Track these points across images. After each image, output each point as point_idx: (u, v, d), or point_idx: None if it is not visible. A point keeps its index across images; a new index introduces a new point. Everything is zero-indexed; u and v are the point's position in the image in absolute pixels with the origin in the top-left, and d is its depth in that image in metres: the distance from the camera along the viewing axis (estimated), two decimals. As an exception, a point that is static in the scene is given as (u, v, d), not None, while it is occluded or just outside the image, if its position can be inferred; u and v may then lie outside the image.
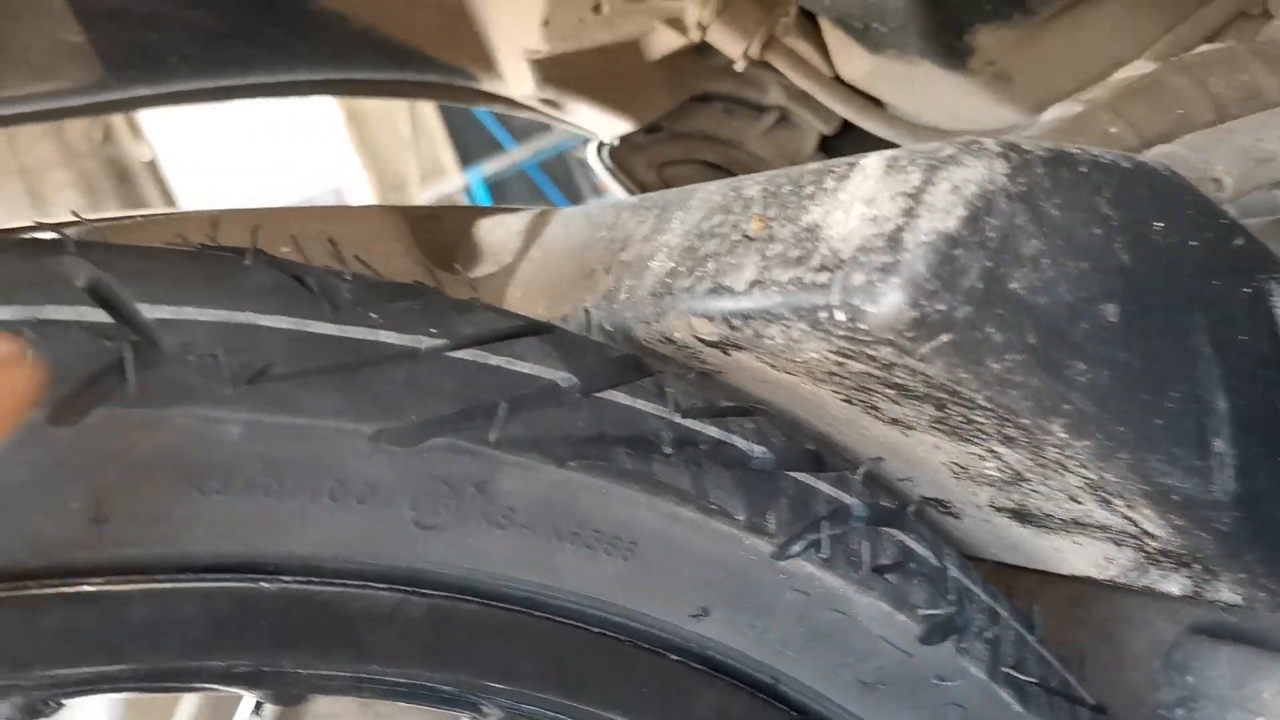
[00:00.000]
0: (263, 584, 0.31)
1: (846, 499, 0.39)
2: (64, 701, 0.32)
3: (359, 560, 0.32)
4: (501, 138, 5.91)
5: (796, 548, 0.37)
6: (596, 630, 0.36)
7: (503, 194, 7.72)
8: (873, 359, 0.31)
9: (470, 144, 7.21)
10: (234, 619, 0.31)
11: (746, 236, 0.36)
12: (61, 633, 0.29)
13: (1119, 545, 0.38)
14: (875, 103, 0.78)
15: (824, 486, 0.39)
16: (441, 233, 0.57)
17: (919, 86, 0.69)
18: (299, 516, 0.30)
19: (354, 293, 0.33)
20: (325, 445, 0.30)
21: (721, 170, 0.88)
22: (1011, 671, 0.42)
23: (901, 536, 0.41)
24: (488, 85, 0.78)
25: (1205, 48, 0.57)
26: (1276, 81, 0.53)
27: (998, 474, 0.38)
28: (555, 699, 0.37)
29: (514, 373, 0.34)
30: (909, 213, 0.29)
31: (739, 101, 0.86)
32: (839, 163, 0.34)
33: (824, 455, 0.40)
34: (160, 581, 0.30)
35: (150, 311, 0.29)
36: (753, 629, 0.37)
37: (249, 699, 0.36)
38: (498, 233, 0.57)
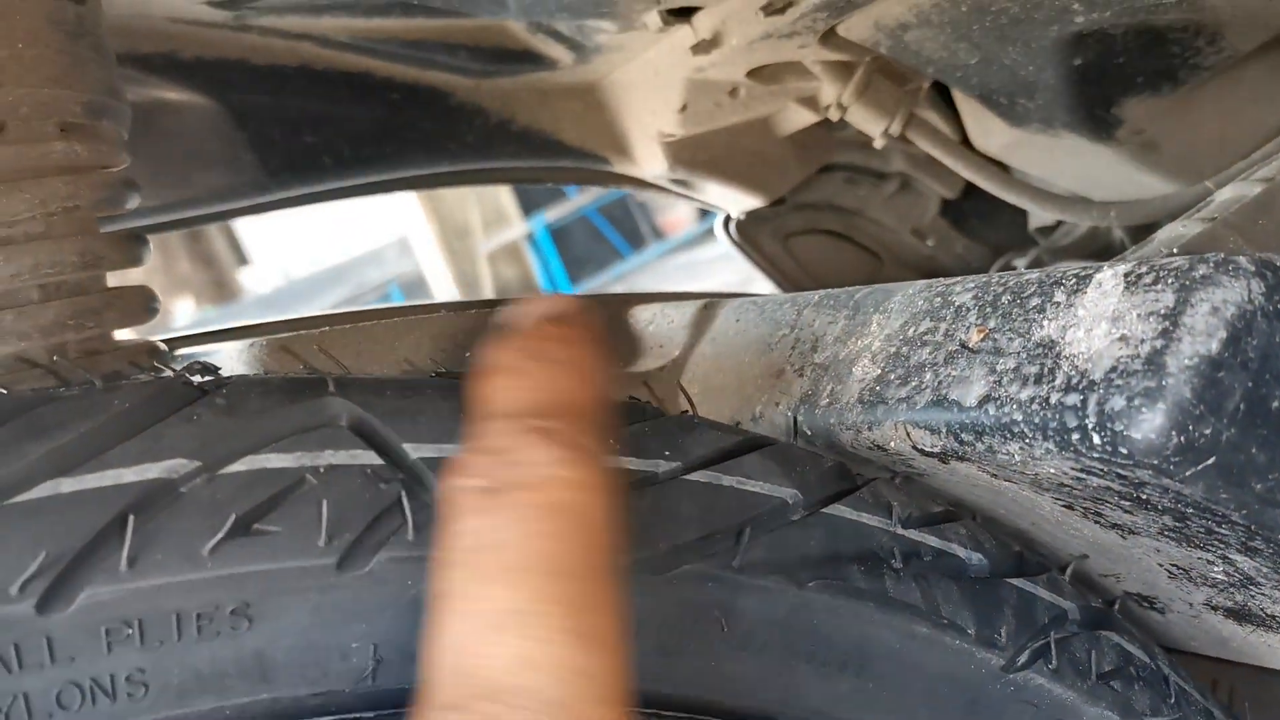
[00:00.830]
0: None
1: (1062, 602, 0.39)
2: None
3: None
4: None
5: (1024, 658, 0.37)
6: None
7: (565, 239, 7.82)
8: (1123, 478, 0.31)
9: (532, 191, 7.32)
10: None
11: (965, 347, 0.36)
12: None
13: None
14: (1002, 167, 0.78)
15: (1041, 591, 0.38)
16: (606, 327, 0.58)
17: (1060, 156, 0.69)
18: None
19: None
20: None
21: (844, 238, 0.88)
22: (1232, 773, 0.41)
23: (1116, 638, 0.40)
24: (619, 167, 0.79)
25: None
26: None
27: (1224, 578, 0.38)
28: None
29: (746, 492, 0.34)
30: (1167, 334, 0.29)
31: (861, 170, 0.86)
32: (1065, 274, 0.34)
33: (1027, 555, 0.40)
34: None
35: (414, 451, 0.30)
36: (983, 743, 0.37)
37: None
38: (660, 324, 0.57)
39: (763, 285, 0.94)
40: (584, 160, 0.77)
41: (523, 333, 0.29)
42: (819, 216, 0.85)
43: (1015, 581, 0.39)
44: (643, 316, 0.60)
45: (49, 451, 0.27)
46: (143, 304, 0.47)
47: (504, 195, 7.59)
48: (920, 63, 0.62)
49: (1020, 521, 0.42)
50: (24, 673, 0.26)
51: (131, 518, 0.26)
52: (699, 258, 7.31)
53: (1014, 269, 0.79)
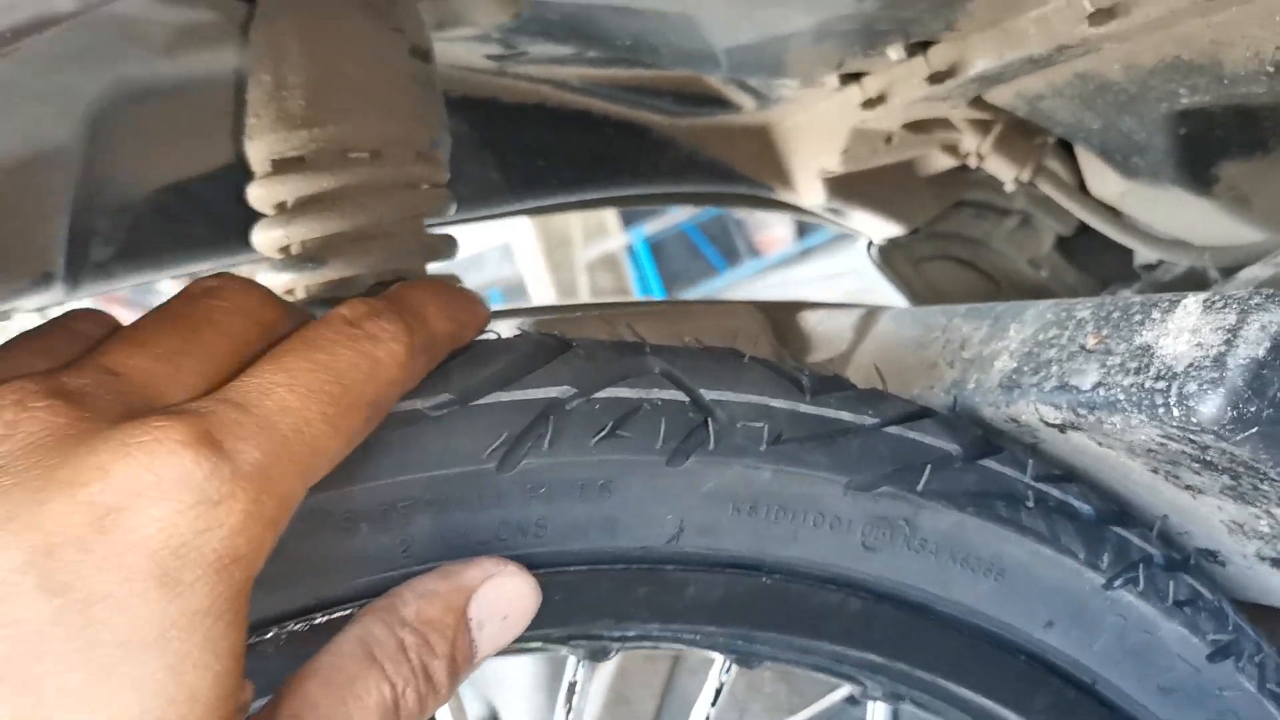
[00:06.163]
0: (762, 578, 0.46)
1: (1149, 548, 0.52)
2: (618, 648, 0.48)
3: (823, 568, 0.47)
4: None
5: (1120, 581, 0.50)
6: (969, 631, 0.50)
7: (663, 252, 7.96)
8: (1194, 442, 0.45)
9: (633, 204, 7.40)
10: (742, 600, 0.46)
11: (1084, 349, 0.50)
12: (646, 600, 0.45)
13: (1370, 588, 0.50)
14: (1113, 211, 0.91)
15: (1135, 538, 0.52)
16: (783, 324, 0.72)
17: (1165, 205, 0.82)
18: (793, 535, 0.45)
19: (811, 382, 0.48)
20: (816, 489, 0.45)
21: (969, 265, 1.01)
22: (1274, 688, 0.54)
23: (1188, 579, 0.53)
24: (782, 196, 0.94)
25: None
26: None
27: (1269, 530, 0.50)
28: (928, 679, 0.51)
29: (922, 443, 0.48)
30: (1229, 343, 0.43)
31: (988, 206, 1.00)
32: (1161, 299, 0.48)
33: (1126, 512, 0.54)
34: (702, 571, 0.45)
35: (707, 394, 0.45)
36: (1083, 641, 0.51)
37: (719, 660, 0.50)
38: (829, 325, 0.72)
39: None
40: (754, 188, 0.92)
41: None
42: (949, 245, 0.99)
43: (1114, 528, 0.52)
44: (811, 318, 0.74)
45: (491, 375, 0.42)
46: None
47: (606, 206, 7.73)
48: (1051, 124, 0.76)
49: (1117, 486, 0.55)
50: (481, 512, 0.41)
51: (550, 417, 0.42)
52: (793, 277, 7.40)
53: (1119, 297, 0.92)
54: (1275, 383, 0.42)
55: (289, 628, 0.40)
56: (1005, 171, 0.80)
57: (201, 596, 0.29)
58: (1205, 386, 0.42)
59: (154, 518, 0.29)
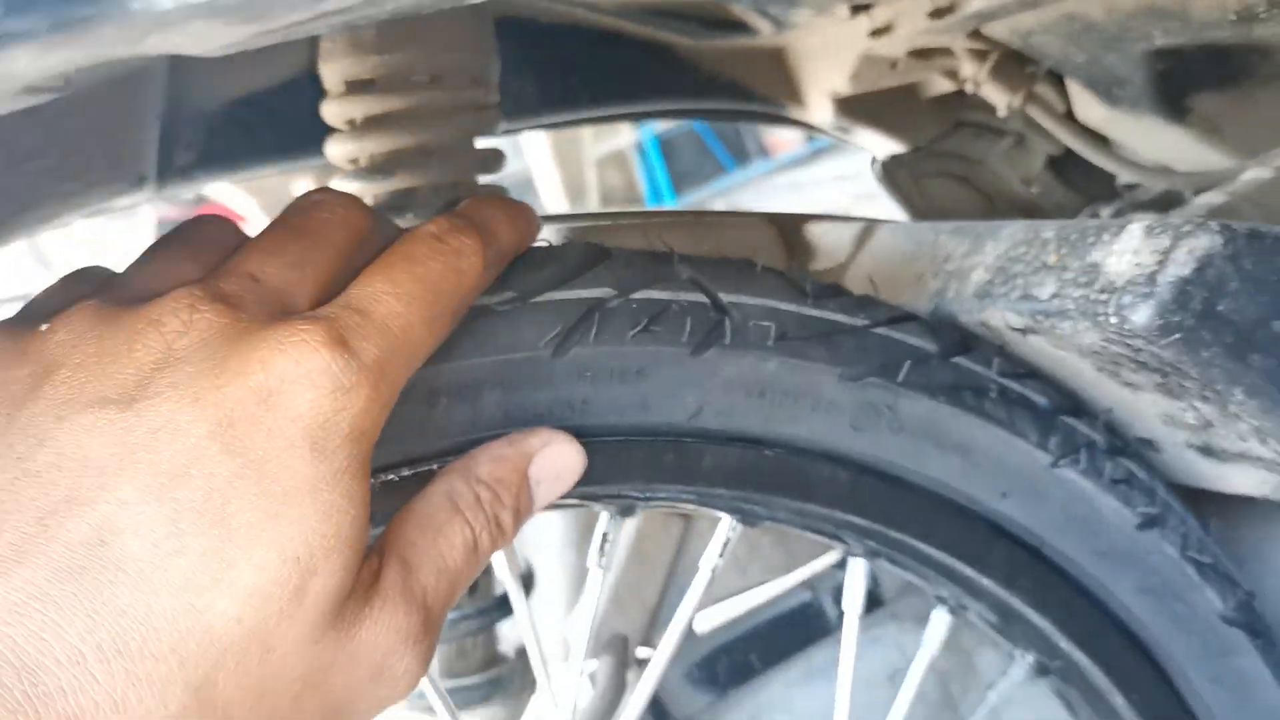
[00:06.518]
0: (765, 451, 0.56)
1: (1096, 436, 0.62)
2: (644, 507, 0.58)
3: (818, 445, 0.56)
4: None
5: (1064, 462, 0.60)
6: (938, 499, 0.59)
7: (673, 151, 7.92)
8: (1129, 346, 0.54)
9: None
10: (749, 469, 0.56)
11: (1046, 265, 0.58)
12: (670, 467, 0.54)
13: (1271, 470, 0.59)
14: (1100, 138, 0.98)
15: (1082, 426, 0.61)
16: (791, 235, 0.81)
17: (1144, 133, 0.89)
18: (793, 415, 0.55)
19: (813, 288, 0.57)
20: (814, 378, 0.54)
21: (965, 182, 1.09)
22: (1194, 555, 0.64)
23: (1126, 462, 0.63)
24: (794, 113, 1.01)
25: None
26: None
27: (1194, 422, 0.60)
28: (901, 539, 0.60)
29: (905, 342, 0.57)
30: (1160, 264, 0.51)
31: (985, 127, 1.07)
32: (1111, 225, 0.56)
33: (1078, 405, 0.63)
34: (717, 444, 0.55)
35: (725, 298, 0.54)
36: (1033, 510, 0.60)
37: (726, 519, 0.60)
38: (831, 237, 0.80)
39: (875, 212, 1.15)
40: (768, 106, 1.00)
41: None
42: (947, 163, 1.06)
43: (1065, 418, 0.61)
44: (816, 230, 0.82)
45: (546, 277, 0.51)
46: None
47: (616, 102, 7.65)
48: (1041, 56, 0.83)
49: (1071, 383, 0.64)
50: (538, 390, 0.50)
51: (595, 314, 0.51)
52: (802, 178, 7.38)
53: (1099, 216, 1.00)
54: (1197, 297, 0.51)
55: (383, 479, 0.49)
56: (999, 98, 0.88)
57: (341, 459, 0.38)
58: (1138, 299, 0.51)
59: (304, 400, 0.37)
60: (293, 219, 0.45)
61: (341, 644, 0.39)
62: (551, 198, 7.18)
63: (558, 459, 0.49)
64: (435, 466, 0.49)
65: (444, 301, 0.44)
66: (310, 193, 0.47)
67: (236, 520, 0.36)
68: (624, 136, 7.48)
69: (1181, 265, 0.51)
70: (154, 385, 0.36)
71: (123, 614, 0.34)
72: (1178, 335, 0.51)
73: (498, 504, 0.47)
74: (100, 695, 0.33)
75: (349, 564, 0.38)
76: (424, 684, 0.62)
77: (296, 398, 0.37)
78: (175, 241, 0.45)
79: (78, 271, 0.46)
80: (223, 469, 0.36)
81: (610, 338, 0.51)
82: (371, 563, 0.41)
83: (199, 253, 0.44)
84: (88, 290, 0.43)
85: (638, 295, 0.52)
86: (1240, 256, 0.52)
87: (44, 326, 0.39)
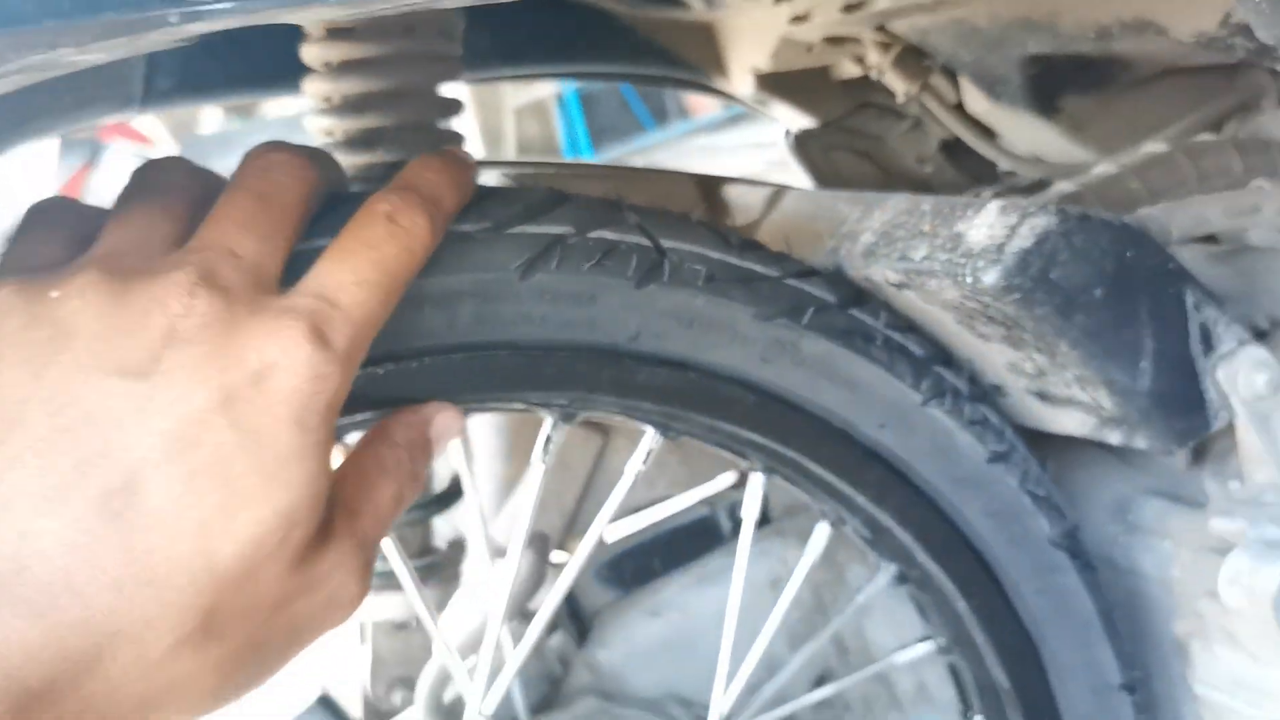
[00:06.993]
0: (689, 373, 0.67)
1: (959, 384, 0.75)
2: (583, 414, 0.69)
3: (732, 372, 0.67)
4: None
5: (932, 402, 0.72)
6: (827, 426, 0.71)
7: (593, 105, 7.94)
8: (980, 302, 0.67)
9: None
10: (674, 388, 0.67)
11: (921, 232, 0.71)
12: (607, 380, 0.65)
13: (1088, 413, 0.73)
14: (984, 128, 1.12)
15: (949, 375, 0.74)
16: (711, 193, 0.92)
17: (1020, 127, 1.03)
18: (714, 345, 0.66)
19: (737, 241, 0.68)
20: (733, 315, 0.65)
21: (867, 157, 1.22)
22: (1031, 488, 0.77)
23: (982, 406, 0.76)
24: (717, 84, 1.12)
25: (1205, 136, 0.91)
26: (1241, 165, 0.87)
27: (1032, 370, 0.73)
28: (794, 458, 0.72)
29: (809, 292, 0.69)
30: (1008, 236, 0.64)
31: (887, 109, 1.20)
32: (975, 203, 0.69)
33: (948, 357, 0.76)
34: (649, 365, 0.66)
35: (666, 242, 0.65)
36: (903, 440, 0.73)
37: (650, 431, 0.71)
38: (746, 198, 0.92)
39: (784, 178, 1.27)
40: (694, 74, 1.11)
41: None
42: (852, 139, 1.19)
43: (936, 366, 0.74)
44: (733, 191, 0.93)
45: (516, 212, 0.61)
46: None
47: (537, 50, 7.61)
48: (937, 52, 0.95)
49: (938, 333, 0.77)
50: (506, 304, 0.61)
51: (558, 246, 0.61)
52: (719, 143, 7.50)
53: (979, 196, 1.14)
54: (1035, 265, 0.64)
55: (372, 370, 0.59)
56: (899, 85, 1.00)
57: (318, 432, 0.45)
58: (989, 264, 0.64)
59: (290, 384, 0.44)
60: (254, 183, 0.50)
61: (306, 576, 0.47)
62: (468, 144, 7.10)
63: (448, 422, 0.58)
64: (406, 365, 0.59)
65: (399, 281, 0.51)
66: (265, 151, 0.52)
67: (239, 482, 0.43)
68: (545, 87, 7.45)
69: (1024, 238, 0.64)
70: (165, 362, 0.42)
71: (151, 552, 0.41)
72: (1018, 295, 0.64)
73: (412, 461, 0.56)
74: (136, 615, 0.41)
75: (318, 516, 0.47)
76: (391, 560, 0.73)
77: (284, 382, 0.44)
78: (147, 192, 0.50)
79: (44, 210, 0.50)
80: (227, 439, 0.43)
81: (568, 267, 0.61)
82: (324, 512, 0.49)
83: (171, 206, 0.49)
84: (66, 236, 0.48)
85: (593, 234, 0.62)
86: (1072, 234, 0.65)
87: (54, 293, 0.43)
